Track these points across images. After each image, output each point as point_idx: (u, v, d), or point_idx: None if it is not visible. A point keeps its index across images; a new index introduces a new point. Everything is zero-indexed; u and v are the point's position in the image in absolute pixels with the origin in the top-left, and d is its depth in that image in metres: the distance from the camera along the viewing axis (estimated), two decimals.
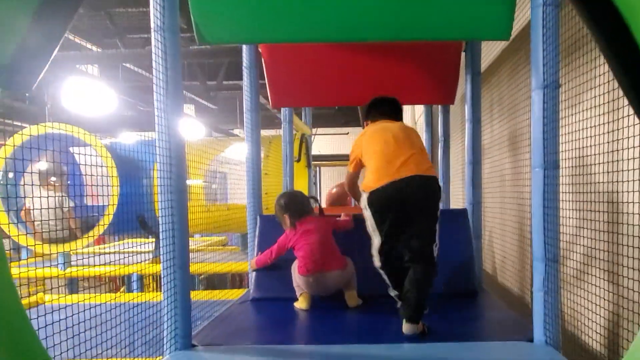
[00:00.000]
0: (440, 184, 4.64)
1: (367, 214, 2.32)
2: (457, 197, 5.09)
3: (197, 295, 3.56)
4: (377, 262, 2.37)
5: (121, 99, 11.00)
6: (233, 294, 3.85)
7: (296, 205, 2.73)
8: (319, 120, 16.03)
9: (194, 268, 4.89)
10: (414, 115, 10.86)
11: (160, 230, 1.91)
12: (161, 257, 1.91)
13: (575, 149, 2.27)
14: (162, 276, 1.90)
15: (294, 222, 2.69)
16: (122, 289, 6.05)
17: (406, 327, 2.10)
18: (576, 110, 2.29)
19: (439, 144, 4.63)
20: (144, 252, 5.22)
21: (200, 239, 6.97)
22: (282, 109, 4.48)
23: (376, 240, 2.33)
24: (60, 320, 1.81)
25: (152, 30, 1.93)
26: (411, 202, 2.21)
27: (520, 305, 3.28)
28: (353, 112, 14.69)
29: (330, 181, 14.96)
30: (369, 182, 2.31)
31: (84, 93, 7.02)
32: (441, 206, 4.58)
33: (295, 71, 3.26)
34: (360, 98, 3.41)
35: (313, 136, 16.18)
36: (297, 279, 2.63)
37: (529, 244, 3.18)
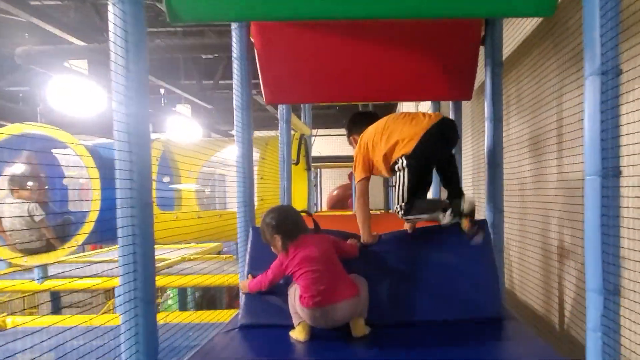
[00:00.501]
0: None
1: (406, 174, 2.37)
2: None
3: (179, 317, 3.18)
4: (404, 204, 2.38)
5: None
6: (223, 316, 3.46)
7: (288, 223, 2.27)
8: (319, 121, 15.65)
9: (183, 281, 4.53)
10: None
11: (119, 251, 1.53)
12: (120, 283, 1.52)
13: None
14: (117, 304, 1.51)
15: (287, 245, 2.24)
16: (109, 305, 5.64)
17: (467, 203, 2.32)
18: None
19: None
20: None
21: (194, 246, 6.60)
22: (280, 108, 4.11)
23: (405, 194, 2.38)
24: None
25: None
26: (452, 138, 2.51)
27: (547, 327, 2.90)
28: (354, 109, 14.34)
29: (331, 183, 14.62)
30: (403, 144, 2.37)
31: (72, 91, 6.67)
32: None
33: (291, 63, 2.87)
34: (365, 94, 3.04)
35: (313, 137, 15.90)
36: (297, 308, 2.23)
37: (555, 259, 2.81)
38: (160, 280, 4.46)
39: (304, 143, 5.10)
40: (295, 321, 2.22)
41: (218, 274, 4.53)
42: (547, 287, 2.93)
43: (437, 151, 2.43)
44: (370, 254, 2.49)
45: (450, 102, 4.30)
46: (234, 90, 2.79)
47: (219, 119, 12.26)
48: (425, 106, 8.24)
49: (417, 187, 2.39)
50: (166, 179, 4.68)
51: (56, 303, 5.22)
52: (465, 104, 4.58)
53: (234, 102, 2.81)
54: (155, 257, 4.86)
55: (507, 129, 3.52)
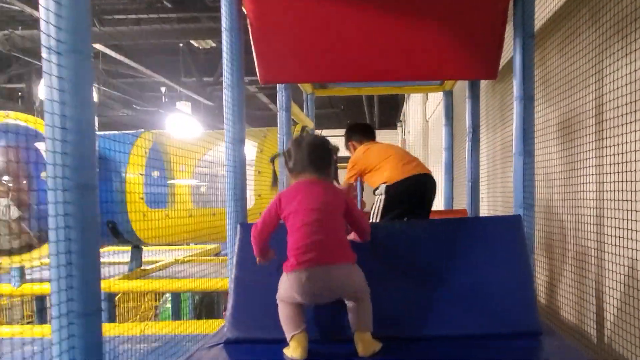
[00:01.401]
0: (469, 183, 3.92)
1: (380, 200, 2.76)
2: (483, 203, 4.29)
3: (164, 329, 2.80)
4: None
5: (115, 97, 10.42)
6: (209, 326, 3.08)
7: (308, 151, 1.93)
8: (323, 121, 15.34)
9: (176, 285, 4.16)
10: (424, 113, 10.13)
11: (50, 247, 1.14)
12: (51, 290, 1.14)
13: None
14: (53, 324, 1.13)
15: (295, 175, 1.93)
16: None
17: None
18: None
19: (467, 136, 3.86)
20: (114, 264, 4.49)
21: (191, 247, 6.22)
22: (279, 95, 3.74)
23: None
24: None
25: None
26: (427, 194, 2.86)
27: (582, 341, 2.51)
28: (359, 112, 13.99)
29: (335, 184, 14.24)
30: (391, 175, 2.78)
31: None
32: (470, 213, 3.88)
33: (289, 36, 2.49)
34: (374, 74, 2.65)
35: None
36: (283, 287, 1.83)
37: (590, 261, 2.42)
38: (151, 284, 4.13)
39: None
40: (288, 333, 1.83)
41: (216, 278, 4.16)
42: (581, 294, 2.53)
43: (411, 196, 2.78)
44: (380, 246, 2.08)
45: (467, 92, 3.94)
46: (224, 67, 2.42)
47: (220, 116, 11.93)
48: (434, 99, 7.87)
49: (387, 215, 2.73)
50: (155, 174, 4.32)
51: (42, 312, 4.84)
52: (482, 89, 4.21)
53: (224, 79, 2.43)
54: (145, 260, 4.45)
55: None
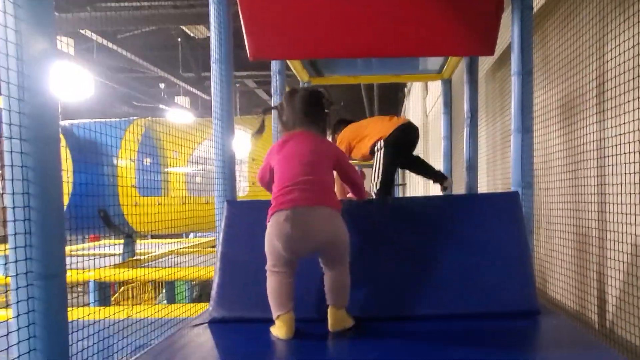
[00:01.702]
0: (467, 171, 3.84)
1: (381, 154, 3.03)
2: (481, 187, 4.20)
3: (146, 312, 2.71)
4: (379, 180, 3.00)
5: (115, 92, 10.38)
6: (199, 309, 2.99)
7: (300, 104, 1.87)
8: None
9: (182, 274, 4.08)
10: (424, 108, 10.04)
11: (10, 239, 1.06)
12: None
13: None
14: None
15: (287, 129, 1.87)
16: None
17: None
18: None
19: (465, 122, 3.78)
20: (108, 255, 4.41)
21: (192, 240, 6.14)
22: (273, 80, 3.66)
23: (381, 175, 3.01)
24: None
25: None
26: (417, 139, 3.23)
27: (583, 325, 2.42)
28: (359, 109, 13.89)
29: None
30: (383, 130, 3.07)
31: (57, 75, 6.26)
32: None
33: (280, 9, 2.40)
34: (369, 48, 2.56)
35: None
36: (266, 238, 1.74)
37: (592, 242, 2.33)
38: (141, 272, 4.05)
39: None
40: (274, 312, 1.74)
41: (210, 266, 4.08)
42: (582, 277, 2.44)
43: (405, 140, 3.14)
44: (371, 223, 2.00)
45: (465, 77, 3.85)
46: (211, 40, 2.34)
47: None
48: (434, 94, 7.78)
49: (391, 165, 3.04)
50: (147, 161, 4.24)
51: None
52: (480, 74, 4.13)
53: (212, 54, 2.35)
54: (139, 251, 4.37)
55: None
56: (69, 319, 1.17)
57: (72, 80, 6.37)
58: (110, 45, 7.30)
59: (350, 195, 2.00)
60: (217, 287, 1.93)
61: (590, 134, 2.27)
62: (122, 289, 5.08)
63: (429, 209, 2.04)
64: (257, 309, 1.86)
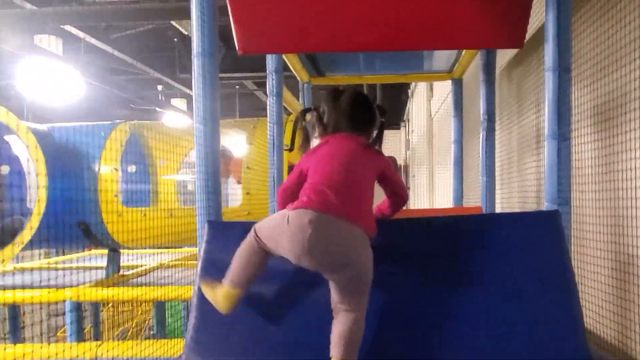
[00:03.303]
0: (484, 178, 3.48)
1: None
2: (497, 201, 3.84)
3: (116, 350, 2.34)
4: None
5: (111, 95, 10.06)
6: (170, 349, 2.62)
7: (348, 107, 1.62)
8: None
9: (175, 293, 3.69)
10: (429, 111, 9.70)
11: None
12: None
13: None
14: None
15: (322, 133, 1.62)
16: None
17: None
18: None
19: (482, 125, 3.43)
20: (89, 269, 4.06)
21: (181, 250, 5.78)
22: (269, 80, 3.32)
23: None
24: None
25: None
26: None
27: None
28: None
29: None
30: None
31: (43, 75, 5.93)
32: (485, 211, 3.43)
33: None
34: (379, 40, 2.21)
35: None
36: (273, 222, 1.49)
37: (637, 264, 1.98)
38: (128, 292, 3.69)
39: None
40: (225, 279, 1.49)
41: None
42: (623, 306, 2.08)
43: None
44: (381, 251, 1.64)
45: (481, 75, 3.50)
46: (192, 30, 1.99)
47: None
48: (440, 96, 7.44)
49: None
50: (132, 169, 3.90)
51: (14, 322, 4.41)
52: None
53: (193, 48, 2.01)
54: (122, 265, 4.02)
55: None
56: None
57: (60, 82, 6.05)
58: (104, 46, 6.99)
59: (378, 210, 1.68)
60: (192, 329, 1.57)
61: (632, 140, 1.92)
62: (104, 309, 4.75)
63: (450, 233, 1.68)
64: (240, 355, 1.51)
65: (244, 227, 1.68)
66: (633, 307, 1.97)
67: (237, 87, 11.42)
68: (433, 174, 8.89)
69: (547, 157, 2.01)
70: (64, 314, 3.81)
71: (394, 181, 1.64)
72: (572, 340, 1.53)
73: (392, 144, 14.39)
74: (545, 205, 2.02)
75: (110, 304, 5.56)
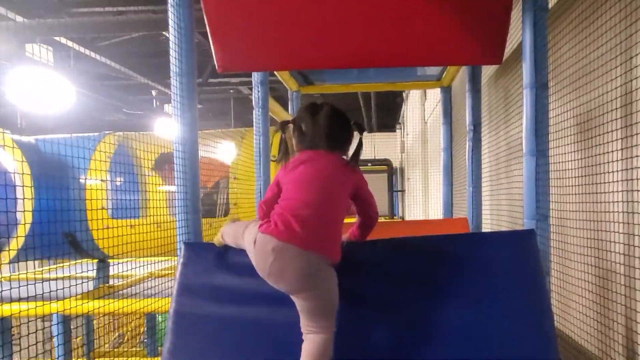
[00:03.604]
0: (470, 188, 3.48)
1: None
2: (485, 210, 3.84)
3: None
4: None
5: (105, 102, 10.04)
6: None
7: (326, 122, 1.61)
8: None
9: (150, 305, 3.70)
10: (423, 114, 9.72)
11: None
12: None
13: None
14: None
15: (300, 148, 1.62)
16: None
17: None
18: None
19: (468, 135, 3.43)
20: (79, 278, 4.04)
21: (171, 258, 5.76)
22: (254, 91, 3.32)
23: None
24: None
25: None
26: None
27: None
28: (357, 115, 13.56)
29: None
30: None
31: (34, 84, 5.92)
32: (471, 222, 3.44)
33: (253, 12, 2.06)
34: (361, 56, 2.22)
35: None
36: (247, 238, 1.54)
37: (617, 279, 1.99)
38: (118, 304, 3.69)
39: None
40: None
41: None
42: (605, 320, 2.09)
43: None
44: (357, 272, 1.65)
45: (467, 85, 3.51)
46: (170, 49, 2.00)
47: (208, 118, 11.58)
48: (433, 99, 7.45)
49: None
50: (119, 181, 3.89)
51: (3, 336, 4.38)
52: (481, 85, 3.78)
53: (171, 67, 2.01)
54: (112, 275, 3.99)
55: None
56: None
57: (51, 91, 6.03)
58: (96, 54, 6.98)
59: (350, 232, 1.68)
60: (168, 353, 1.57)
61: (613, 152, 1.93)
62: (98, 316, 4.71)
63: (423, 254, 1.69)
64: None
65: (221, 249, 1.69)
66: (615, 317, 1.98)
67: (231, 91, 11.42)
68: (427, 176, 8.91)
69: (525, 174, 2.02)
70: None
71: (366, 200, 1.65)
72: (544, 354, 1.53)
73: (388, 146, 14.41)
74: (524, 222, 2.03)
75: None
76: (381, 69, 4.23)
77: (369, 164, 12.32)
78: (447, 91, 4.38)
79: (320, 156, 1.59)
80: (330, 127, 1.63)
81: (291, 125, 1.69)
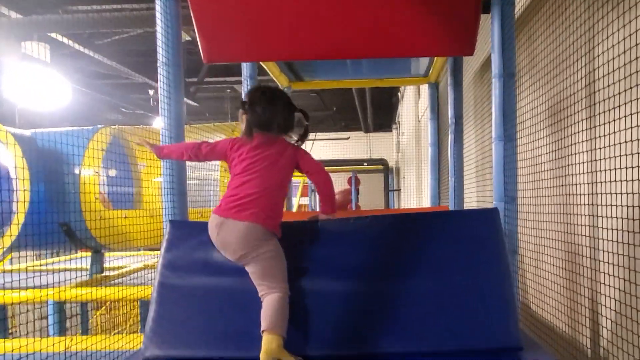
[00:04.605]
0: (452, 179, 3.60)
1: None
2: (472, 202, 3.96)
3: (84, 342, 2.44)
4: None
5: (103, 100, 10.13)
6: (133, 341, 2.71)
7: (272, 106, 1.74)
8: (318, 125, 14.99)
9: (142, 292, 3.80)
10: (417, 112, 9.83)
11: None
12: None
13: None
14: None
15: (251, 130, 1.71)
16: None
17: None
18: None
19: (450, 128, 3.55)
20: (73, 270, 4.15)
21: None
22: (244, 84, 3.43)
23: None
24: None
25: None
26: None
27: (574, 352, 2.17)
28: (353, 114, 13.66)
29: None
30: None
31: (31, 82, 6.02)
32: (452, 207, 3.55)
33: (237, 2, 2.16)
34: (336, 49, 2.33)
35: (312, 142, 15.23)
36: None
37: (583, 261, 2.09)
38: (112, 292, 3.79)
39: None
40: None
41: None
42: (574, 298, 2.20)
43: None
44: (327, 245, 1.76)
45: (449, 80, 3.62)
46: (158, 40, 2.10)
47: (205, 117, 11.66)
48: (427, 97, 7.55)
49: None
50: (112, 173, 3.99)
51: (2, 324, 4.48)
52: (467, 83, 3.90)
53: (159, 57, 2.12)
54: (107, 267, 4.09)
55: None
56: None
57: (47, 87, 6.14)
58: (93, 52, 7.07)
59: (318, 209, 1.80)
60: (152, 321, 1.68)
61: (579, 142, 2.04)
62: (98, 313, 4.82)
63: (394, 230, 1.79)
64: (198, 347, 1.62)
65: (203, 227, 1.79)
66: (582, 292, 2.08)
67: (228, 90, 11.51)
68: (420, 175, 9.01)
69: (494, 158, 2.13)
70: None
71: (311, 166, 1.78)
72: (504, 328, 1.64)
73: (384, 146, 14.50)
74: (493, 204, 2.14)
75: (102, 307, 5.64)
76: (372, 65, 4.32)
77: (365, 164, 12.41)
78: (434, 87, 4.49)
79: (268, 139, 1.73)
80: (283, 113, 1.76)
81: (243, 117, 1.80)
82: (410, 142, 10.58)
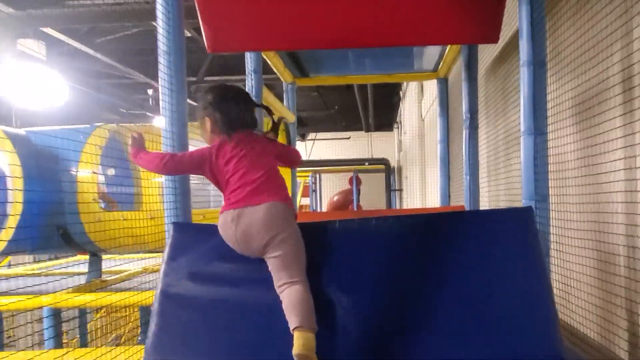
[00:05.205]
0: (467, 177, 3.43)
1: None
2: (484, 200, 3.79)
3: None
4: None
5: (102, 99, 9.98)
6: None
7: (237, 104, 1.73)
8: (318, 125, 14.87)
9: (140, 298, 3.64)
10: (420, 112, 9.68)
11: None
12: None
13: None
14: None
15: (226, 131, 1.69)
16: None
17: None
18: None
19: (464, 124, 3.39)
20: (72, 274, 4.00)
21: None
22: (247, 80, 3.27)
23: None
24: None
25: None
26: None
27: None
28: (354, 115, 13.52)
29: (330, 187, 13.79)
30: None
31: (26, 79, 5.86)
32: (468, 207, 3.38)
33: None
34: (354, 36, 2.17)
35: (313, 141, 15.08)
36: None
37: (619, 262, 1.93)
38: (109, 298, 3.63)
39: (286, 130, 4.22)
40: None
41: None
42: (608, 308, 2.04)
43: None
44: (351, 249, 1.61)
45: (463, 74, 3.47)
46: (158, 28, 1.94)
47: None
48: (430, 96, 7.41)
49: None
50: (110, 172, 3.83)
51: None
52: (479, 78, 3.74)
53: (159, 46, 1.96)
54: (105, 270, 3.94)
55: None
56: None
57: (43, 86, 5.98)
58: (91, 51, 6.91)
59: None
60: (153, 335, 1.51)
61: (614, 139, 1.88)
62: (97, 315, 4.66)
63: (423, 231, 1.63)
64: (205, 356, 1.46)
65: (210, 230, 1.64)
66: (617, 300, 1.92)
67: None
68: (425, 174, 8.87)
69: (523, 154, 1.97)
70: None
71: (284, 149, 1.84)
72: (544, 339, 1.48)
73: (385, 146, 14.37)
74: (522, 203, 1.98)
75: (102, 310, 5.48)
76: (377, 60, 4.18)
77: (366, 163, 12.29)
78: (443, 82, 4.35)
79: (245, 136, 1.71)
80: (248, 109, 1.77)
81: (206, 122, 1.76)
82: (413, 141, 10.43)
